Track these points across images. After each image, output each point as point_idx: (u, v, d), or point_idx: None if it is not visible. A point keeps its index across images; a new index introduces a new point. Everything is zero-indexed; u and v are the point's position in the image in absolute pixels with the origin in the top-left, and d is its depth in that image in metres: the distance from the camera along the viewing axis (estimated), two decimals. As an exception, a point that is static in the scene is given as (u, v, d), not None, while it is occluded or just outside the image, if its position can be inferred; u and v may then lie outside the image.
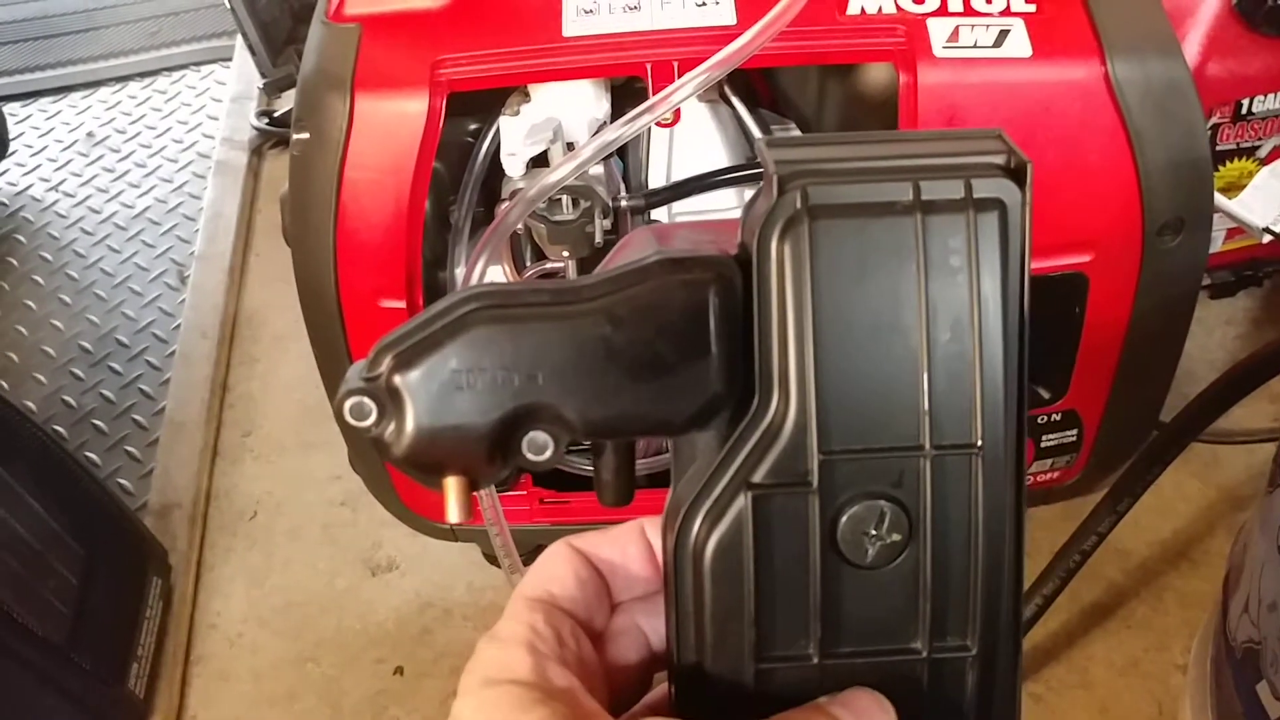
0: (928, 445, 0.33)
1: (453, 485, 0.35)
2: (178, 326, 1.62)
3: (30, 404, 1.52)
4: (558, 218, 0.96)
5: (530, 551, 1.21)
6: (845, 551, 0.34)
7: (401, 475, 1.15)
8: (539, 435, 0.34)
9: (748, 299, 0.34)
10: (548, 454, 0.34)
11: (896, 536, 0.34)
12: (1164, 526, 1.24)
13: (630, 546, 0.39)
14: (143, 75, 2.12)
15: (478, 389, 0.34)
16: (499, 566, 0.95)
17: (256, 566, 1.31)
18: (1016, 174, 0.33)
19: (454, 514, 0.35)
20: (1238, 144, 1.25)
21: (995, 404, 0.33)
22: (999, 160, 0.33)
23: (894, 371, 0.33)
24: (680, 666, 0.35)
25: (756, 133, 1.02)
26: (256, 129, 1.90)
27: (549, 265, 1.01)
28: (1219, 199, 1.17)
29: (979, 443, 0.33)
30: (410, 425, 0.34)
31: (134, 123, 2.02)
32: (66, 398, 1.54)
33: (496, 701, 0.33)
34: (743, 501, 0.33)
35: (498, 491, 0.96)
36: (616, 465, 0.38)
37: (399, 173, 0.92)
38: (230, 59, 2.10)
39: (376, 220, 0.94)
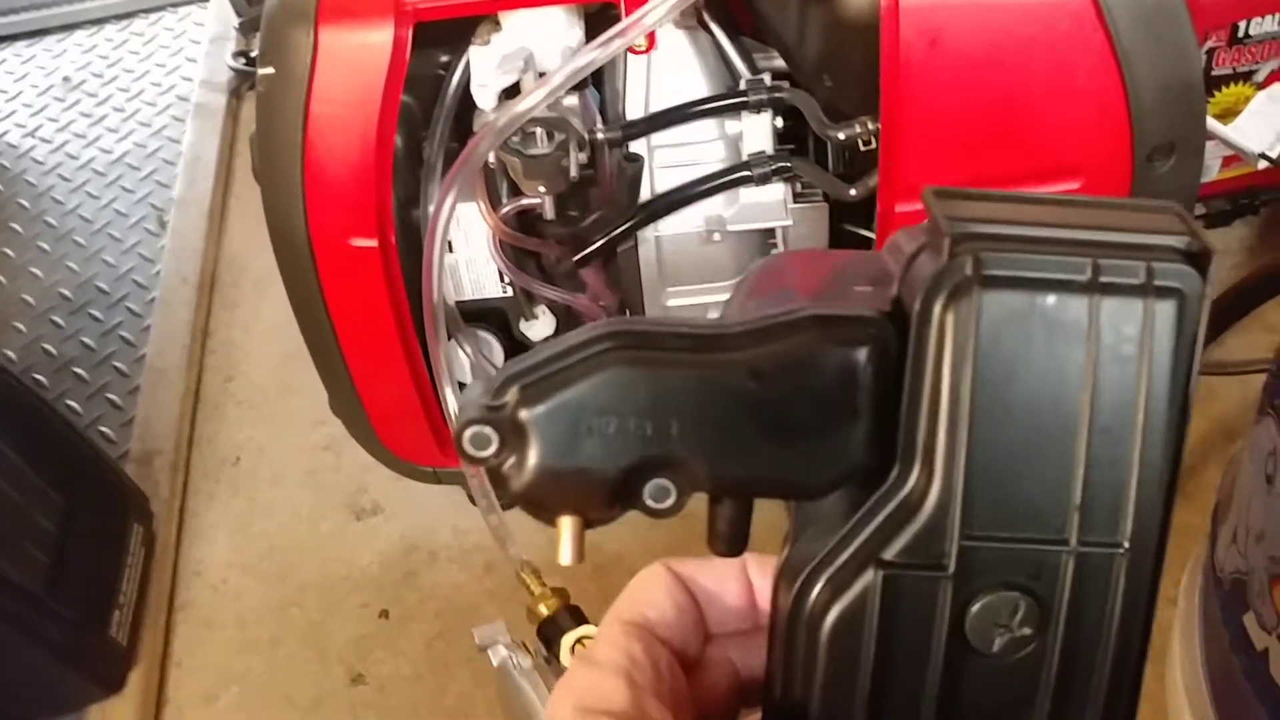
0: (1074, 541, 0.32)
1: (567, 525, 0.34)
2: (158, 272, 1.59)
3: (9, 353, 1.51)
4: (532, 151, 0.93)
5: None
6: (972, 639, 0.32)
7: (382, 417, 1.14)
8: (663, 483, 0.33)
9: (900, 361, 0.32)
10: (669, 503, 0.33)
11: (1028, 630, 0.32)
12: (1156, 459, 1.22)
13: (730, 582, 0.38)
14: (119, 18, 2.08)
15: (608, 434, 0.32)
16: (480, 508, 0.94)
17: (240, 513, 1.30)
18: (1198, 260, 0.31)
19: (566, 557, 0.34)
20: (1234, 68, 1.22)
21: (1149, 505, 0.32)
22: (1180, 244, 0.31)
23: (1049, 458, 0.31)
24: None
25: (737, 61, 0.99)
26: (234, 70, 1.86)
27: (525, 201, 0.98)
28: (1214, 125, 1.14)
29: (1125, 544, 0.32)
30: (532, 463, 0.33)
31: (111, 66, 1.98)
32: (46, 346, 1.52)
33: None
34: (870, 578, 0.32)
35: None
36: (733, 517, 0.35)
37: (366, 106, 0.90)
38: (207, -1, 2.06)
39: (344, 156, 0.92)
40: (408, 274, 0.97)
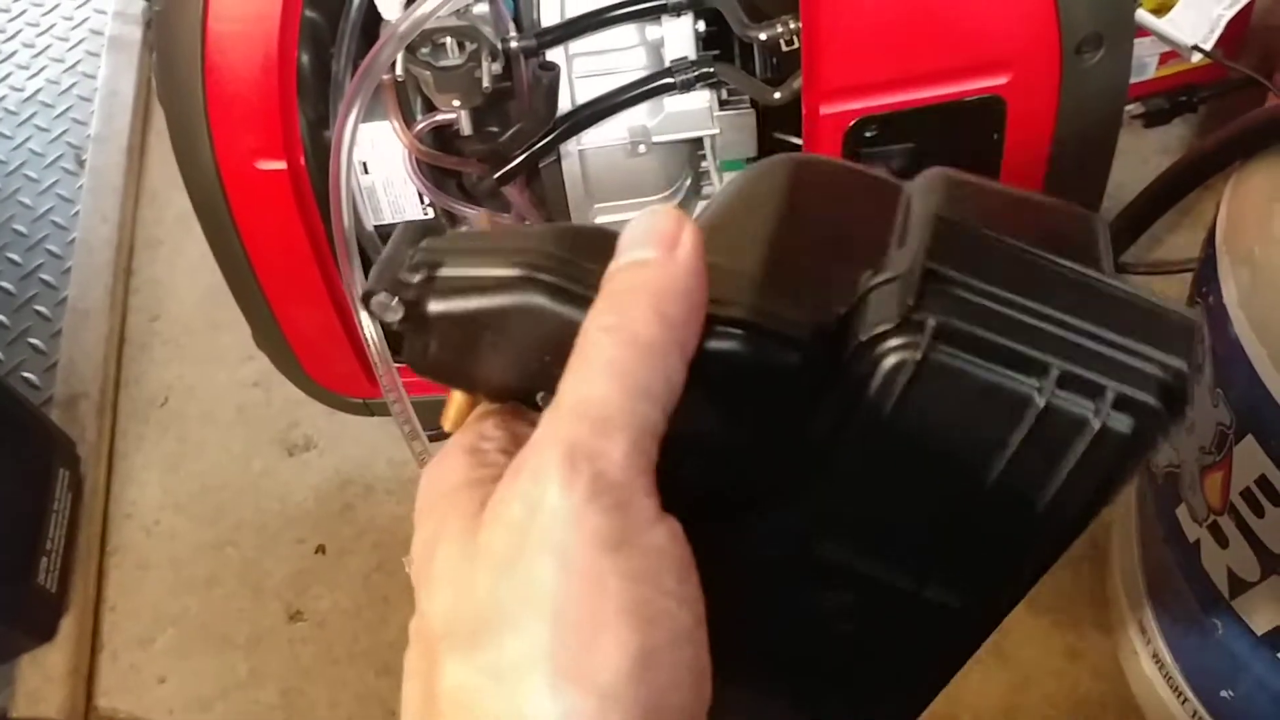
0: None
1: (456, 398, 0.35)
2: (77, 212, 1.54)
3: (-75, 301, 1.45)
4: (442, 63, 0.89)
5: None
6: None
7: (306, 348, 1.10)
8: None
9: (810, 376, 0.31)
10: None
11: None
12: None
13: None
14: (26, -51, 1.99)
15: (501, 352, 0.33)
16: (410, 437, 0.92)
17: (170, 453, 1.27)
18: (1173, 396, 0.29)
19: (448, 423, 0.35)
20: (1167, -40, 1.19)
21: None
22: (1162, 369, 0.29)
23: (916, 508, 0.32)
24: None
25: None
26: (147, 0, 1.79)
27: (440, 117, 0.95)
28: (1147, 18, 1.12)
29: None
30: (429, 351, 0.33)
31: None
32: (-38, 293, 1.47)
33: None
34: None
35: (398, 363, 0.91)
36: None
37: (265, 21, 0.86)
38: (119, -73, 1.97)
39: (246, 75, 0.88)
40: (322, 199, 0.93)
